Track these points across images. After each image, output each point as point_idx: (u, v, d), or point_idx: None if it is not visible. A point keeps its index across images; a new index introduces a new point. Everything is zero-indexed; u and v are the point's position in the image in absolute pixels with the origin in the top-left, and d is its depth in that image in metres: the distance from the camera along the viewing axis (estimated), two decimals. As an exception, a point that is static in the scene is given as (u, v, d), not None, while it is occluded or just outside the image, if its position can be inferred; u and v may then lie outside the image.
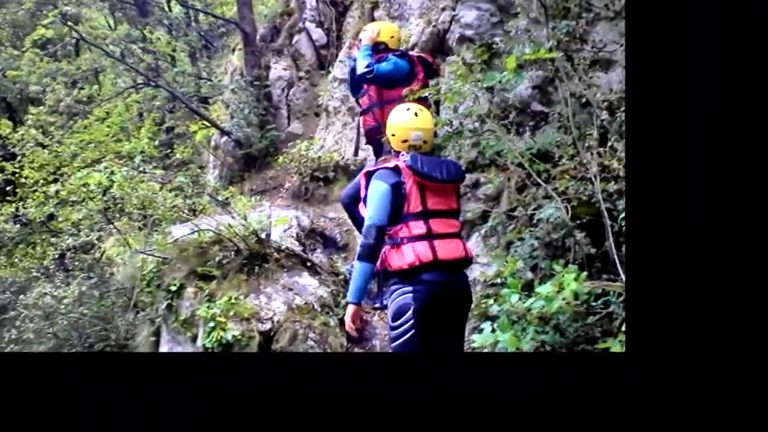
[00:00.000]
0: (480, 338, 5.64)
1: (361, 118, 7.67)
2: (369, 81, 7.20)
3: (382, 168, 4.96)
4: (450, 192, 5.06)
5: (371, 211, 4.82)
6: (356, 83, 7.57)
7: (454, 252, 4.86)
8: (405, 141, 5.07)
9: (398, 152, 5.09)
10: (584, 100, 6.25)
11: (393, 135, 5.15)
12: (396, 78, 7.10)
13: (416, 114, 5.20)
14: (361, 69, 7.13)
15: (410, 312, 4.72)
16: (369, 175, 5.00)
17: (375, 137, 7.17)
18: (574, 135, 5.93)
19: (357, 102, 7.93)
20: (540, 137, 6.62)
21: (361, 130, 7.73)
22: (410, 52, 7.73)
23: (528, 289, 5.76)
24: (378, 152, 7.41)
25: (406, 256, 4.73)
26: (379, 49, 7.38)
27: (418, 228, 4.78)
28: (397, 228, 4.82)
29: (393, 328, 4.83)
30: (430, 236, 4.78)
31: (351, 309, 4.97)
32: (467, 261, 5.03)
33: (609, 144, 5.74)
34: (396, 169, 4.87)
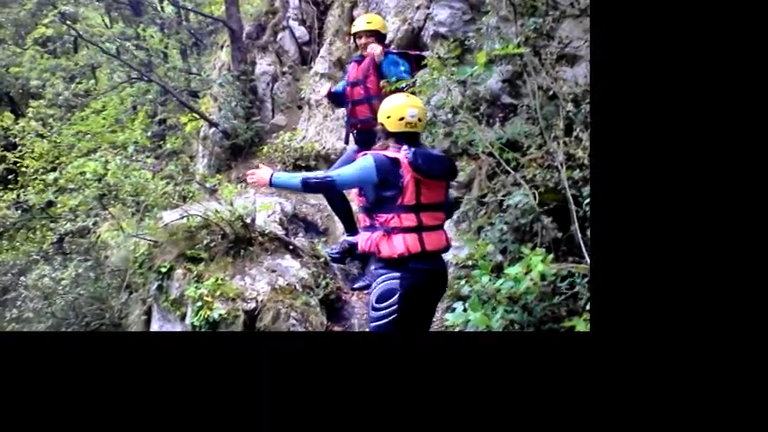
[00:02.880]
0: (452, 317, 5.59)
1: (352, 108, 7.40)
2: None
3: (383, 155, 4.77)
4: (442, 186, 4.95)
5: (345, 175, 4.77)
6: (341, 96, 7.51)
7: (439, 243, 4.81)
8: (401, 119, 4.87)
9: (396, 141, 4.87)
10: (551, 93, 6.20)
11: (389, 117, 4.92)
12: (403, 77, 6.93)
13: (408, 96, 5.16)
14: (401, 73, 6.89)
15: (396, 297, 4.66)
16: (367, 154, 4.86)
17: (368, 127, 6.98)
18: (541, 126, 5.90)
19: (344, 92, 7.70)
20: (510, 127, 6.55)
21: (351, 120, 7.50)
22: (409, 51, 7.57)
23: (498, 271, 5.73)
24: (366, 142, 7.22)
25: (397, 246, 4.65)
26: (378, 37, 7.24)
27: (409, 220, 4.68)
28: (389, 217, 4.70)
29: (376, 310, 4.75)
30: (420, 228, 4.70)
31: (265, 180, 4.94)
32: (447, 249, 4.97)
33: (574, 134, 5.71)
34: (395, 161, 4.70)
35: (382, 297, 4.72)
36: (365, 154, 4.83)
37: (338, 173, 4.78)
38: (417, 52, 7.50)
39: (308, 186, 4.82)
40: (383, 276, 4.75)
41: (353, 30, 7.47)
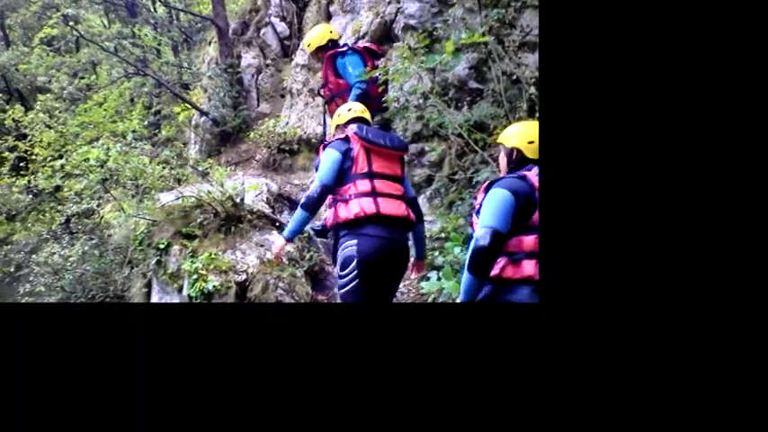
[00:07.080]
0: (427, 285, 5.50)
1: (327, 106, 7.46)
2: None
3: (335, 139, 4.91)
4: (395, 159, 4.94)
5: (321, 172, 4.76)
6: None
7: (396, 210, 4.72)
8: (350, 110, 5.21)
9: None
10: (514, 77, 6.13)
11: (339, 116, 5.22)
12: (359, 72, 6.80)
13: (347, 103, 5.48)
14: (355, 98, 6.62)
15: (354, 263, 4.59)
16: (325, 147, 4.93)
17: None
18: (506, 108, 5.86)
19: (319, 93, 7.70)
20: (477, 110, 6.42)
21: (328, 115, 7.51)
22: (356, 45, 7.45)
23: (468, 242, 5.59)
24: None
25: (352, 208, 4.62)
26: (327, 46, 7.18)
27: (364, 186, 4.68)
28: (345, 187, 4.71)
29: (340, 277, 4.70)
30: (374, 193, 4.67)
31: (281, 242, 5.06)
32: (408, 221, 4.85)
33: (536, 115, 5.59)
34: (346, 138, 4.84)
35: (344, 264, 4.65)
36: (324, 148, 4.92)
37: (319, 177, 4.78)
38: (366, 45, 7.45)
39: (309, 206, 4.79)
40: (344, 244, 4.69)
41: (309, 49, 7.52)
